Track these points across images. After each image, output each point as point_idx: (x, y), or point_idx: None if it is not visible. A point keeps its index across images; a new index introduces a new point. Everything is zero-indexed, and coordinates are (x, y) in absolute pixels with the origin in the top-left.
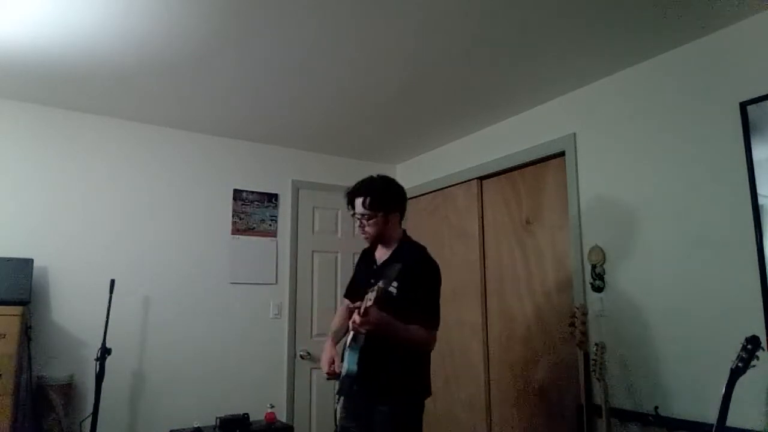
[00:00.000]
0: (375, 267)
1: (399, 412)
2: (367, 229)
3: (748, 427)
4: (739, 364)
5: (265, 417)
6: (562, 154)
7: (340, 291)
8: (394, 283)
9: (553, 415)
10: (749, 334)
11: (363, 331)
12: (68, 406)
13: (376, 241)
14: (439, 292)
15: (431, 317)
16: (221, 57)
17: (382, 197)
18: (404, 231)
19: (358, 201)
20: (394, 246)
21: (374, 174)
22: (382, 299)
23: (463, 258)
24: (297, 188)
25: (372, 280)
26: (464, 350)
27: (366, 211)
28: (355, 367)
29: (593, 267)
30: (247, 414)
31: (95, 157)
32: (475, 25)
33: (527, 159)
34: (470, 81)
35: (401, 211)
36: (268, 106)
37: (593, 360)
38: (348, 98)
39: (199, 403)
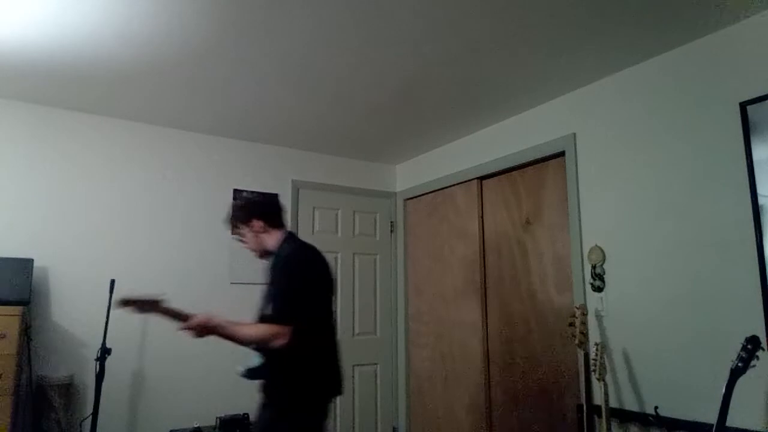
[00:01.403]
0: None
1: (277, 420)
2: (248, 246)
3: (748, 427)
4: (739, 364)
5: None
6: (562, 154)
7: (341, 291)
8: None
9: (553, 415)
10: (749, 334)
11: (192, 336)
12: (68, 406)
13: (261, 253)
14: (299, 286)
15: (280, 311)
16: (221, 57)
17: (235, 216)
18: (287, 235)
19: (229, 226)
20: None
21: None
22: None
23: (463, 258)
24: (297, 188)
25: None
26: (464, 350)
27: (235, 232)
28: (242, 370)
29: (593, 267)
30: (247, 414)
31: (95, 157)
32: (475, 26)
33: (527, 159)
34: (470, 81)
35: (263, 218)
36: (268, 106)
37: (593, 360)
38: (348, 98)
39: (199, 403)
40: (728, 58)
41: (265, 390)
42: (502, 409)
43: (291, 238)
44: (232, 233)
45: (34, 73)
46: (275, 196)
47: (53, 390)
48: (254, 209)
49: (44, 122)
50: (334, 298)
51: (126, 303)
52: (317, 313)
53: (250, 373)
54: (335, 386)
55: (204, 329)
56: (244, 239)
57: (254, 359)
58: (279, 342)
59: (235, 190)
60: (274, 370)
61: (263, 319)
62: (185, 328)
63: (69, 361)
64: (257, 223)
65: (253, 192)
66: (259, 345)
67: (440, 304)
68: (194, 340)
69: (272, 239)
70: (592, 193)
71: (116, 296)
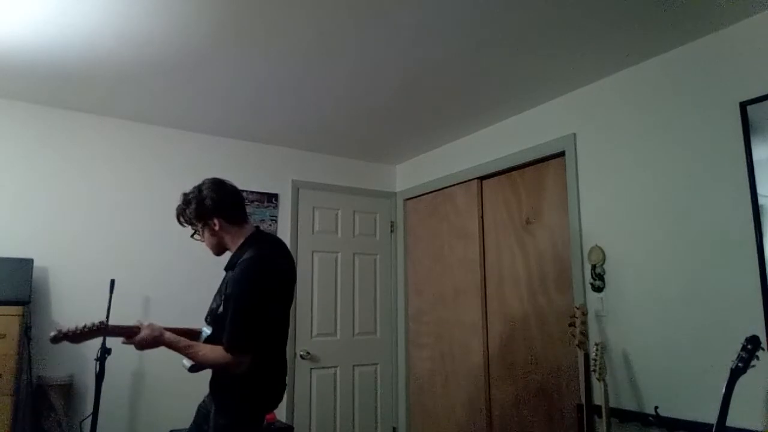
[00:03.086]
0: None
1: (227, 422)
2: (205, 243)
3: (748, 427)
4: (739, 364)
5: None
6: (562, 154)
7: (341, 291)
8: (223, 298)
9: (553, 415)
10: (749, 334)
11: (140, 349)
12: (68, 406)
13: (219, 250)
14: (255, 308)
15: (232, 339)
16: (221, 57)
17: (188, 211)
18: (252, 232)
19: (180, 221)
20: (234, 252)
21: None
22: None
23: (463, 258)
24: (297, 188)
25: (217, 294)
26: (464, 350)
27: (190, 228)
28: (188, 365)
29: (593, 267)
30: None
31: (95, 157)
32: (474, 26)
33: (527, 159)
34: (470, 81)
35: (223, 214)
36: (268, 106)
37: (593, 360)
38: (348, 98)
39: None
40: (728, 58)
41: (212, 396)
42: (502, 409)
43: (253, 239)
44: (182, 225)
45: (34, 73)
46: (232, 187)
47: (53, 390)
48: (210, 207)
49: (44, 122)
50: (292, 298)
51: (56, 339)
52: (273, 326)
53: (194, 368)
54: (276, 398)
55: (152, 345)
56: (196, 237)
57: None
58: (237, 372)
59: None
60: (216, 379)
61: (219, 317)
62: (129, 343)
63: (69, 361)
64: (215, 222)
65: (208, 181)
66: (213, 369)
67: (440, 304)
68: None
69: (233, 239)
70: (592, 193)
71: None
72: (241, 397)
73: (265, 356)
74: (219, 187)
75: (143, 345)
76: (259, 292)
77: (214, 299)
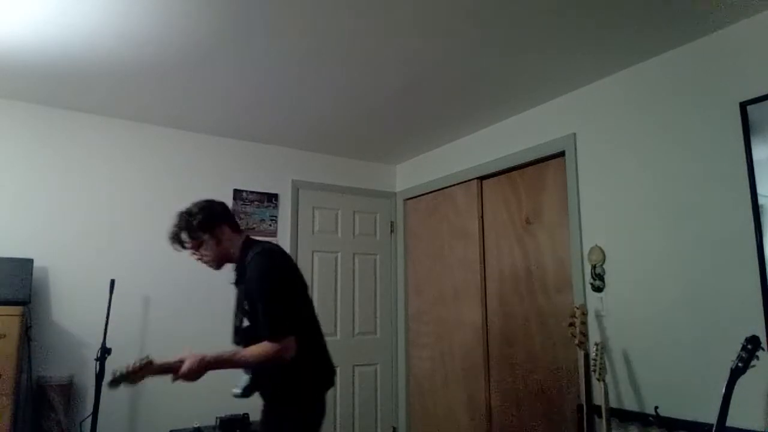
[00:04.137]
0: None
1: (277, 423)
2: (204, 259)
3: (748, 427)
4: (739, 364)
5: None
6: (562, 154)
7: (341, 291)
8: (246, 305)
9: (553, 415)
10: (749, 334)
11: (190, 381)
12: (68, 406)
13: (219, 262)
14: (281, 291)
15: (272, 326)
16: (221, 57)
17: (195, 222)
18: (245, 237)
19: (181, 238)
20: (237, 261)
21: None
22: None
23: (463, 258)
24: (297, 188)
25: (237, 311)
26: (464, 350)
27: (192, 242)
28: (239, 391)
29: (593, 267)
30: (247, 414)
31: (95, 157)
32: (474, 26)
33: (527, 159)
34: (470, 81)
35: (225, 222)
36: (268, 106)
37: (593, 360)
38: (348, 98)
39: (199, 403)
40: (728, 58)
41: (261, 389)
42: (502, 409)
43: (250, 242)
44: (190, 248)
45: (34, 73)
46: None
47: (53, 390)
48: (214, 217)
49: (44, 122)
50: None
51: (115, 384)
52: (303, 312)
53: (246, 391)
54: (327, 378)
55: (199, 372)
56: (201, 251)
57: (244, 376)
58: (286, 355)
59: (235, 190)
60: (266, 375)
61: (245, 332)
62: (178, 378)
63: (69, 361)
64: (223, 229)
65: (200, 201)
66: (265, 364)
67: (440, 304)
68: (194, 340)
69: (234, 244)
70: (592, 193)
71: (108, 373)
72: (298, 382)
73: (305, 337)
74: (214, 201)
75: (192, 375)
76: (280, 278)
77: (235, 317)
